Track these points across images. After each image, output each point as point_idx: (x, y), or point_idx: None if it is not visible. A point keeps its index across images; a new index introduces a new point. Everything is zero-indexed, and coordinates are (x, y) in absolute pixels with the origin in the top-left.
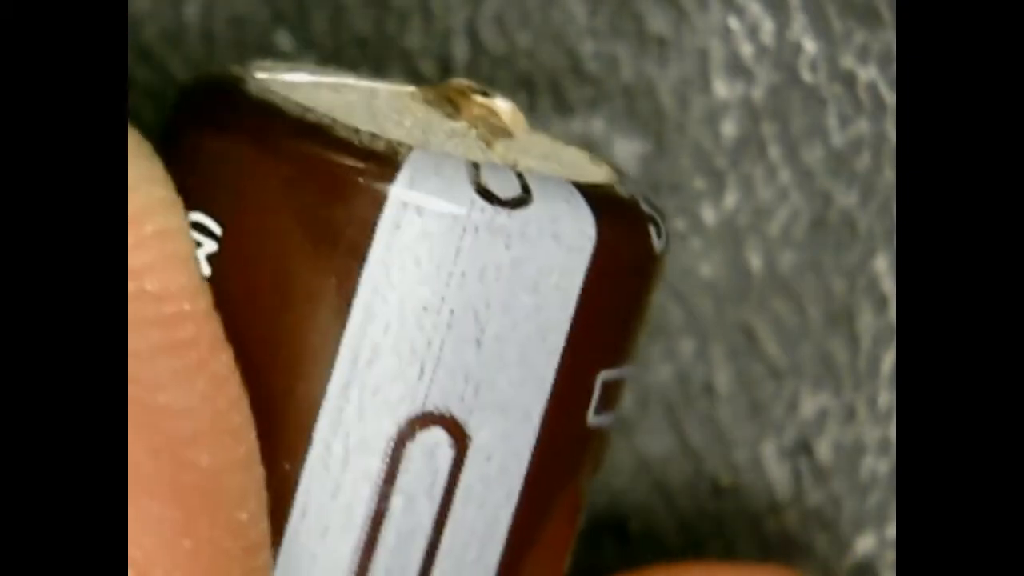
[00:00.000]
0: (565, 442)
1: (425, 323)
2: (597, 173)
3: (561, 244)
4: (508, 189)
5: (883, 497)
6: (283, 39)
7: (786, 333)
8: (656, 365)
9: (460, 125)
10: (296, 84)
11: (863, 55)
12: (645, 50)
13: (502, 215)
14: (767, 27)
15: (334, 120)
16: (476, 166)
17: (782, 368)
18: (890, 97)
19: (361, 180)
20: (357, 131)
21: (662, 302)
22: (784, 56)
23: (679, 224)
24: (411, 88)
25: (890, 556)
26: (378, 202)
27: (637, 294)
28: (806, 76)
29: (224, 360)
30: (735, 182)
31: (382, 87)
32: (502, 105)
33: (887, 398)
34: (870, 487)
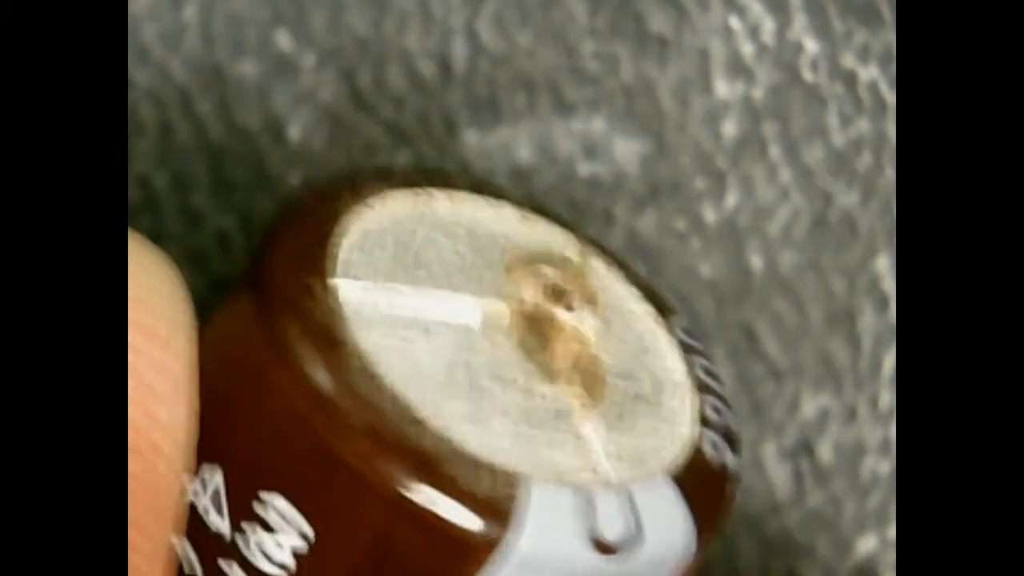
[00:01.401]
0: None
1: None
2: (678, 374)
3: (663, 568)
4: (621, 534)
5: (884, 498)
6: (283, 39)
7: (786, 333)
8: None
9: (563, 403)
10: (387, 341)
11: (863, 55)
12: (645, 50)
13: (614, 566)
14: (768, 27)
15: (452, 452)
16: (593, 518)
17: (782, 368)
18: (890, 97)
19: (478, 536)
20: (476, 466)
21: None
22: (785, 56)
23: (679, 224)
24: (502, 320)
25: (891, 557)
26: (492, 553)
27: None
28: (807, 76)
29: (162, 468)
30: (735, 182)
31: (475, 327)
32: (588, 326)
33: (888, 398)
34: (871, 488)
